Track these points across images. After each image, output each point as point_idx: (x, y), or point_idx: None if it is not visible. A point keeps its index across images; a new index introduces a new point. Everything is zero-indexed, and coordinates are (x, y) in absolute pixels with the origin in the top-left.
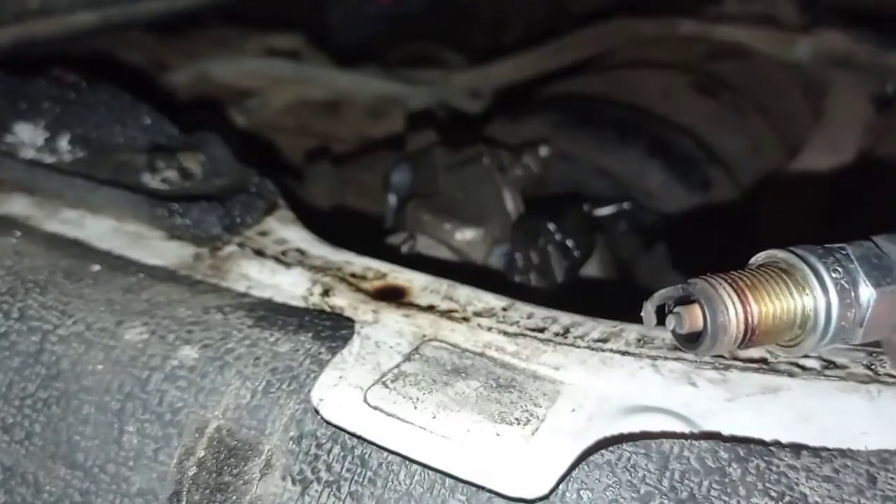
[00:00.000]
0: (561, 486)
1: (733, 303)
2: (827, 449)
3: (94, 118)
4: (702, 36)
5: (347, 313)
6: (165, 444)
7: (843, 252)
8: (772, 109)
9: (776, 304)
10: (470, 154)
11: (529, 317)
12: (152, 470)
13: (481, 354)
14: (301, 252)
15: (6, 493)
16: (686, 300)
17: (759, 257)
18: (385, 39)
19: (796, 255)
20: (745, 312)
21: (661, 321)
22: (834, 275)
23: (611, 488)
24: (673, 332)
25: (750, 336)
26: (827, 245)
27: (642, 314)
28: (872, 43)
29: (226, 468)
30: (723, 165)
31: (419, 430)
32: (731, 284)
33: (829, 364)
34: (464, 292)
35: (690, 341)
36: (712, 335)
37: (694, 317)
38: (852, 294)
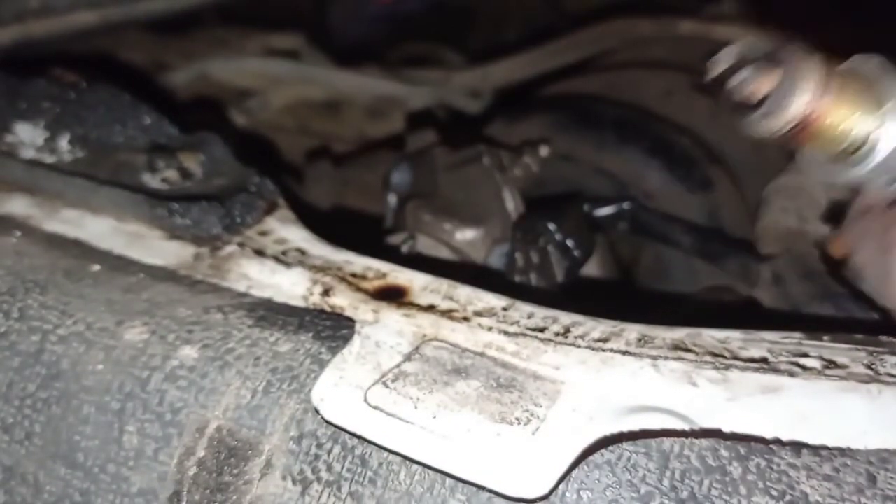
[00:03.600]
0: (561, 486)
1: (812, 90)
2: (827, 448)
3: (94, 118)
4: (702, 36)
5: (348, 313)
6: (165, 443)
7: None
8: None
9: (842, 114)
10: (470, 154)
11: (530, 316)
12: (152, 470)
13: (482, 354)
14: (301, 252)
15: (6, 493)
16: (765, 63)
17: (857, 59)
18: (385, 39)
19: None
20: (814, 104)
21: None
22: None
23: (611, 488)
24: (730, 88)
25: (801, 129)
26: None
27: (717, 58)
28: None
29: (226, 468)
30: (723, 165)
31: (419, 430)
32: (822, 73)
33: (830, 364)
34: (464, 292)
35: (739, 104)
36: (770, 111)
37: (763, 85)
38: None
